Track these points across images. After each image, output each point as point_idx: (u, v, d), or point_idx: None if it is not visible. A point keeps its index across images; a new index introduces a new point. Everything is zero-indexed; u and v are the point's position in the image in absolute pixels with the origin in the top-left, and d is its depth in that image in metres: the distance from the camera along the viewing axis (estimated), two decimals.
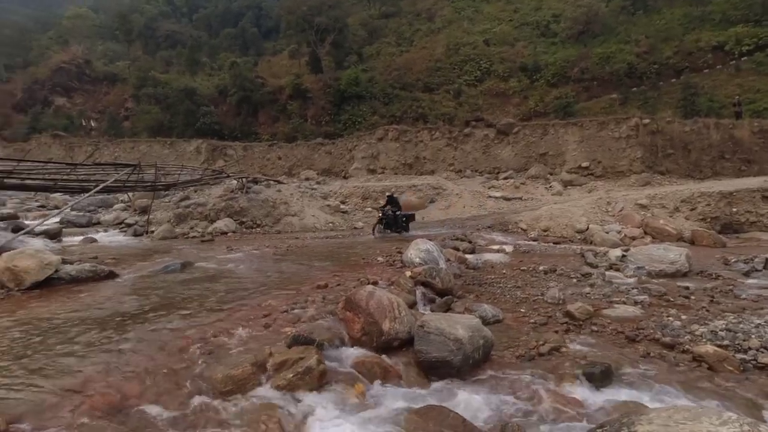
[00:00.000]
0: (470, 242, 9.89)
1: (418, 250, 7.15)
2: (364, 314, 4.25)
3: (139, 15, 49.35)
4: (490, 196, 19.36)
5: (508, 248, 9.87)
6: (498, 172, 24.01)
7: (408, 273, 6.30)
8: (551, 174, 22.29)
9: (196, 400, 3.23)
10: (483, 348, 4.09)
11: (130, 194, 15.52)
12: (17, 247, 7.08)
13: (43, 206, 17.30)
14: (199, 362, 3.69)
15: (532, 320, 5.34)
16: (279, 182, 19.37)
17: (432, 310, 5.43)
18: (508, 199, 19.03)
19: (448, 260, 7.70)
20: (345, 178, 26.49)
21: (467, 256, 8.61)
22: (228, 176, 17.88)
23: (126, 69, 40.42)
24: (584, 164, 21.84)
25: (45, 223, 10.82)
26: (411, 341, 4.19)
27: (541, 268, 7.83)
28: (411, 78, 32.77)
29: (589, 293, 6.41)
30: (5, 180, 9.08)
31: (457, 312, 5.28)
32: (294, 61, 39.44)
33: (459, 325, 4.07)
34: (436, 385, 3.84)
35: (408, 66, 34.05)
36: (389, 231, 12.22)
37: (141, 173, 13.32)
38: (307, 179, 25.41)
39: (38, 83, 39.84)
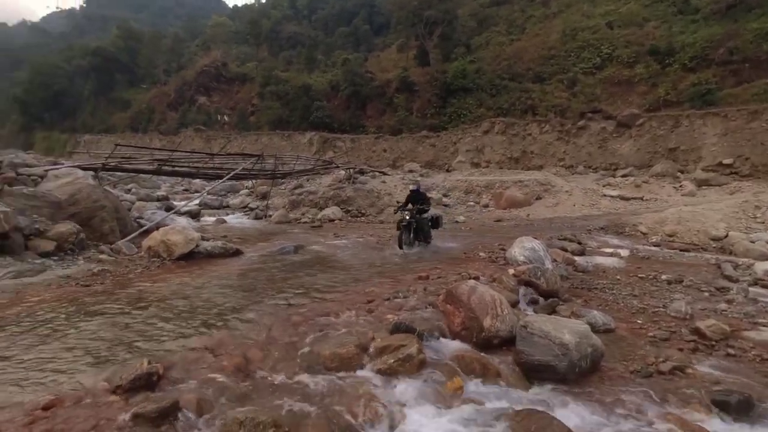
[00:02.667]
0: (580, 243, 9.20)
1: (522, 248, 6.89)
2: (465, 309, 4.25)
3: (266, 19, 54.26)
4: (604, 195, 17.68)
5: (624, 252, 8.96)
6: (615, 169, 21.82)
7: (511, 271, 6.11)
8: (681, 172, 19.60)
9: (307, 372, 3.55)
10: (591, 357, 3.83)
11: (253, 181, 17.31)
12: (168, 224, 8.40)
13: (186, 190, 20.18)
14: (310, 338, 4.03)
15: (650, 333, 4.82)
16: (384, 173, 19.98)
17: (535, 312, 5.21)
18: (625, 199, 17.19)
19: (555, 261, 7.28)
20: (448, 171, 26.33)
21: (576, 257, 8.04)
22: (337, 167, 18.95)
23: (254, 69, 44.87)
24: (726, 161, 18.79)
25: (189, 204, 12.63)
26: (512, 341, 4.09)
27: (663, 277, 6.99)
28: (521, 68, 31.10)
29: (725, 310, 5.58)
30: (162, 167, 10.86)
31: (562, 316, 4.99)
32: (402, 55, 40.04)
33: (566, 330, 3.86)
34: (538, 389, 3.71)
35: (518, 55, 32.37)
36: (419, 242, 8.81)
37: (263, 162, 14.78)
38: (410, 171, 25.77)
39: (186, 84, 46.27)
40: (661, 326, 4.99)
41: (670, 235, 10.50)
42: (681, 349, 4.42)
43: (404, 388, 3.42)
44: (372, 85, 34.74)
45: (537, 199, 17.58)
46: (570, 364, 3.67)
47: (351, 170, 17.33)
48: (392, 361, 3.57)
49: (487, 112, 28.71)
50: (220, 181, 12.61)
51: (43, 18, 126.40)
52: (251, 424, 2.70)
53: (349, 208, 15.20)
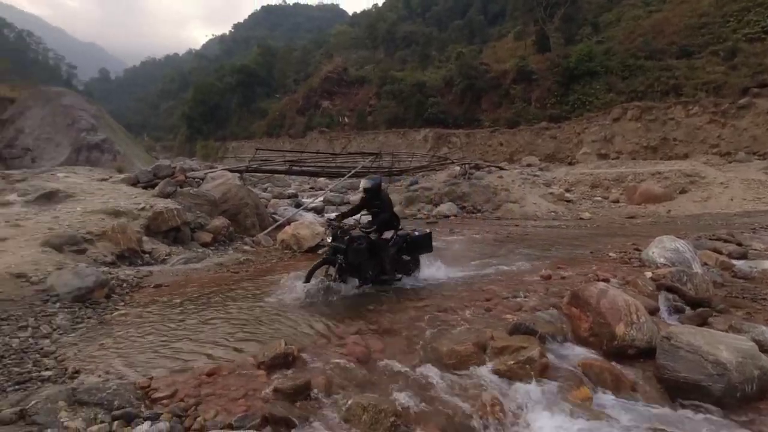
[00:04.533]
0: (740, 245, 7.75)
1: (663, 248, 6.07)
2: (594, 313, 3.91)
3: (382, 22, 56.24)
4: None
5: None
6: None
7: (648, 274, 5.43)
8: None
9: (425, 366, 3.62)
10: (759, 381, 3.23)
11: None
12: (298, 219, 9.28)
13: (312, 188, 22.01)
14: (428, 333, 4.11)
15: None
16: (500, 168, 19.31)
17: (681, 322, 4.56)
18: None
19: (705, 264, 6.27)
20: (571, 164, 24.35)
21: (734, 261, 6.80)
22: (452, 162, 18.85)
23: (371, 71, 46.91)
24: None
25: (315, 201, 13.79)
26: (651, 353, 3.64)
27: None
28: (661, 43, 27.18)
29: None
30: (292, 167, 12.07)
31: (716, 329, 4.29)
32: (519, 43, 38.09)
33: (722, 346, 3.31)
34: (684, 411, 3.25)
35: (658, 29, 28.36)
36: (348, 281, 5.28)
37: (380, 160, 15.41)
38: (528, 165, 24.45)
39: (312, 91, 50.43)
40: None
41: None
42: None
43: (525, 392, 3.28)
44: (487, 77, 33.70)
45: (681, 192, 15.30)
46: (728, 386, 3.15)
47: (466, 166, 17.10)
48: (512, 362, 3.46)
49: (618, 98, 25.78)
50: (342, 179, 13.50)
51: (203, 45, 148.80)
52: (374, 410, 2.86)
53: (465, 205, 15.02)
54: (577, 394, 3.27)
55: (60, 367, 3.26)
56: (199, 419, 2.65)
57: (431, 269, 6.15)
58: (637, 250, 6.89)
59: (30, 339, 3.71)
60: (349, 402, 2.98)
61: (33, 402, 2.57)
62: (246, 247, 8.06)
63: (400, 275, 5.67)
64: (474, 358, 3.66)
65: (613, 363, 3.67)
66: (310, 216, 11.99)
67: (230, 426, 2.59)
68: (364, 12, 78.14)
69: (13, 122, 12.79)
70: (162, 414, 2.67)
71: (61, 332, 3.96)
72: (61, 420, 2.46)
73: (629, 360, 3.75)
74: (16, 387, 2.89)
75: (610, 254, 7.08)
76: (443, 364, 3.64)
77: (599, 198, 16.36)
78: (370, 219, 5.57)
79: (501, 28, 46.26)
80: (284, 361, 3.39)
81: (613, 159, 22.97)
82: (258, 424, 2.62)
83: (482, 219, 13.98)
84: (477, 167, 17.98)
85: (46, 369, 3.20)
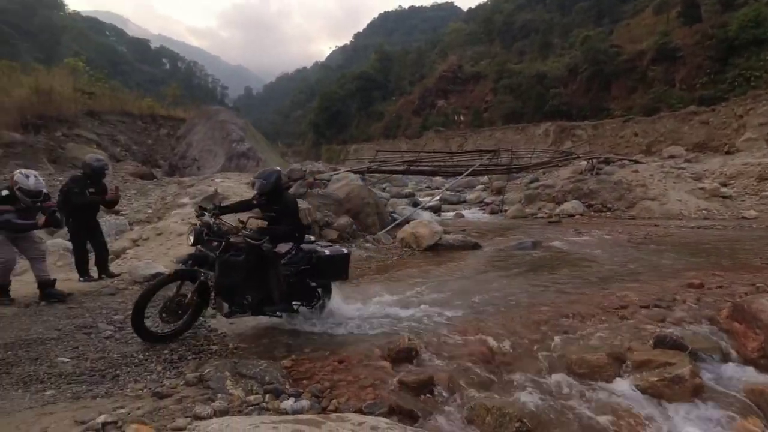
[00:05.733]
0: None
1: None
2: (765, 330, 3.31)
3: (499, 14, 54.28)
4: None
5: None
6: None
7: None
8: None
9: (551, 373, 3.45)
10: None
11: (489, 177, 17.66)
12: (416, 218, 9.51)
13: (428, 187, 22.28)
14: (553, 339, 3.91)
15: None
16: (635, 162, 17.21)
17: None
18: None
19: None
20: (728, 153, 20.61)
21: None
22: (577, 157, 17.41)
23: (487, 66, 45.64)
24: None
25: (432, 200, 13.96)
26: None
27: None
28: None
29: None
30: (411, 167, 12.41)
31: None
32: (660, 17, 33.41)
33: None
34: None
35: None
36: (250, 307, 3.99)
37: (498, 158, 14.94)
38: (671, 157, 21.32)
39: (427, 91, 51.05)
40: None
41: None
42: None
43: (674, 415, 2.93)
44: (618, 60, 30.30)
45: None
46: None
47: (594, 160, 15.63)
48: (656, 379, 3.11)
49: None
50: (459, 177, 13.42)
51: (328, 57, 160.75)
52: (498, 413, 2.82)
53: (592, 202, 13.78)
54: (743, 426, 2.81)
55: (222, 343, 3.86)
56: (334, 401, 2.91)
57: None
58: None
59: (201, 318, 4.46)
60: (473, 402, 3.00)
61: (207, 370, 3.11)
62: (368, 245, 8.54)
63: (297, 304, 4.29)
64: (608, 369, 3.39)
65: None
66: (426, 215, 12.18)
67: (361, 410, 2.79)
68: (479, 6, 76.35)
69: (184, 138, 15.48)
70: (302, 393, 3.00)
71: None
72: (227, 388, 2.94)
73: None
74: (194, 356, 3.52)
75: None
76: (572, 373, 3.44)
77: None
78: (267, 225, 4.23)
79: (636, 3, 41.10)
80: (408, 356, 3.53)
81: None
82: (385, 413, 2.78)
83: (613, 218, 12.66)
84: (606, 161, 16.28)
85: (213, 344, 3.83)
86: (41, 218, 4.80)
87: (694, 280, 5.05)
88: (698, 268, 6.04)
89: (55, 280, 4.99)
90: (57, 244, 7.11)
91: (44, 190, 4.83)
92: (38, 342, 3.68)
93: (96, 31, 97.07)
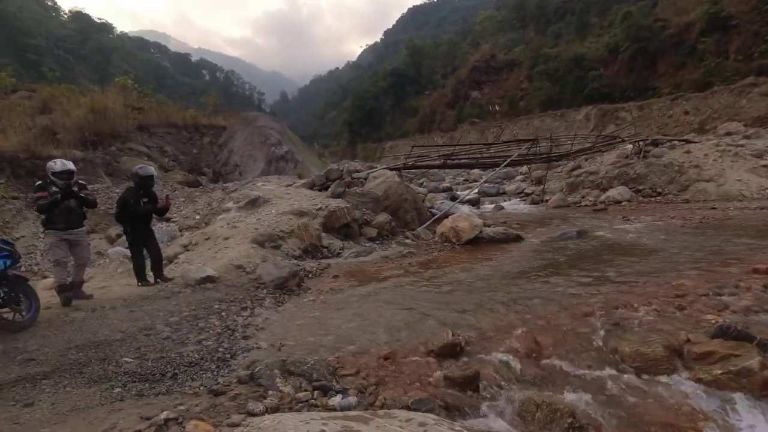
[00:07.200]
0: None
1: None
2: None
3: None
4: None
5: None
6: None
7: None
8: None
9: (602, 367, 3.32)
10: None
11: (528, 166, 17.19)
12: (455, 212, 9.41)
13: (466, 180, 21.98)
14: (602, 331, 3.76)
15: None
16: (687, 141, 16.17)
17: None
18: None
19: None
20: None
21: None
22: (622, 141, 16.59)
23: (521, 53, 44.34)
24: None
25: (470, 193, 13.77)
26: None
27: None
28: None
29: None
30: (447, 161, 12.28)
31: None
32: None
33: None
34: None
35: None
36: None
37: (537, 146, 14.50)
38: (728, 134, 19.81)
39: (460, 83, 50.27)
40: None
41: None
42: None
43: (740, 409, 2.76)
44: (664, 35, 28.55)
45: None
46: None
47: (640, 143, 14.83)
48: (720, 372, 2.93)
49: None
50: (497, 169, 13.15)
51: (359, 56, 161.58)
52: (548, 409, 2.76)
53: (640, 187, 13.12)
54: None
55: (270, 341, 4.00)
56: (380, 397, 2.95)
57: None
58: None
59: (249, 317, 4.65)
60: (522, 398, 2.95)
61: (258, 368, 3.23)
62: (407, 241, 8.55)
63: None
64: (665, 362, 3.22)
65: None
66: (465, 208, 12.03)
67: (407, 407, 2.81)
68: None
69: (226, 145, 16.11)
70: (349, 389, 3.06)
71: (269, 313, 4.85)
72: (278, 384, 3.04)
73: None
74: (245, 355, 3.67)
75: None
76: (626, 367, 3.30)
77: None
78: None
79: None
80: (452, 351, 3.51)
81: None
82: (432, 408, 2.79)
83: (664, 203, 11.99)
84: (655, 143, 15.38)
85: (262, 341, 3.97)
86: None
87: (759, 265, 4.70)
88: (764, 252, 5.61)
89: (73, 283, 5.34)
90: (117, 251, 7.61)
91: (73, 170, 5.35)
92: (105, 343, 3.95)
93: (142, 50, 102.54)
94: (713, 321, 3.55)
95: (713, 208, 10.11)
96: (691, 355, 3.20)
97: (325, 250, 7.81)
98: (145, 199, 6.05)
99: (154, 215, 6.42)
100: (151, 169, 6.45)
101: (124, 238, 6.78)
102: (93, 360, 3.62)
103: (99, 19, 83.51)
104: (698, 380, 3.00)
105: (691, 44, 27.31)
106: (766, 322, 3.47)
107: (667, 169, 13.19)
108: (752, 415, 2.73)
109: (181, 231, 9.00)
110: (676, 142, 16.09)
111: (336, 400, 2.90)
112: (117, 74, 29.94)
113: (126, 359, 3.60)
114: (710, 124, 22.98)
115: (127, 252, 6.69)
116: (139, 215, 5.96)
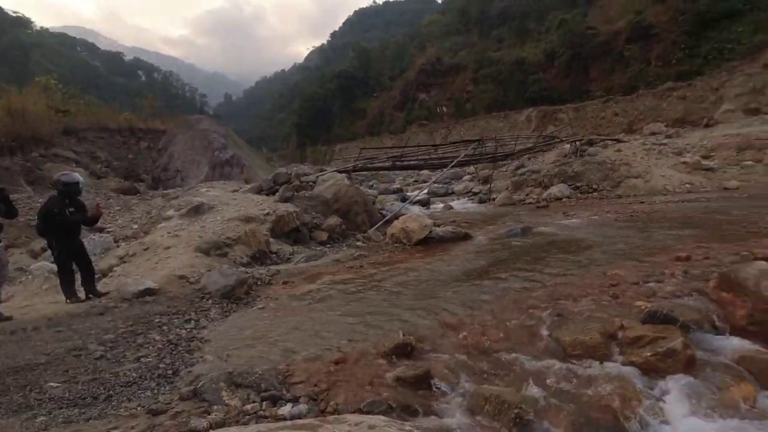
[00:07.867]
0: None
1: None
2: (753, 298, 3.36)
3: (474, 3, 54.10)
4: None
5: None
6: None
7: None
8: None
9: (547, 357, 3.46)
10: None
11: (475, 166, 17.72)
12: (404, 213, 9.49)
13: (416, 181, 22.29)
14: (547, 323, 3.92)
15: None
16: (618, 141, 17.39)
17: None
18: None
19: None
20: (707, 126, 20.94)
21: None
22: (560, 141, 17.54)
23: (466, 56, 45.63)
24: None
25: (420, 194, 13.96)
26: None
27: None
28: None
29: None
30: (397, 163, 12.38)
31: None
32: None
33: None
34: None
35: None
36: None
37: (483, 147, 14.98)
38: (653, 134, 21.56)
39: (408, 85, 50.85)
40: None
41: None
42: None
43: (668, 387, 2.96)
44: (595, 42, 30.55)
45: None
46: None
47: (577, 143, 15.75)
48: (649, 354, 3.14)
49: None
50: (445, 169, 13.44)
51: (306, 58, 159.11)
52: (496, 401, 2.83)
53: (578, 185, 13.90)
54: (737, 391, 2.86)
55: (217, 353, 3.82)
56: (332, 403, 2.90)
57: None
58: None
59: (194, 330, 4.41)
60: (470, 392, 3.00)
61: (202, 382, 3.07)
62: (359, 243, 8.51)
63: None
64: (602, 348, 3.41)
65: None
66: (416, 209, 12.18)
67: (359, 410, 2.78)
68: None
69: (166, 149, 15.27)
70: (300, 397, 2.98)
71: (215, 324, 4.64)
72: (223, 398, 2.90)
73: None
74: (189, 369, 3.48)
75: None
76: (567, 355, 3.46)
77: (750, 162, 13.83)
78: None
79: None
80: (404, 351, 3.52)
81: (766, 114, 19.18)
82: (384, 410, 2.77)
83: (600, 199, 12.79)
84: (590, 143, 16.42)
85: (208, 354, 3.78)
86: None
87: (680, 254, 5.11)
88: (685, 241, 6.12)
89: None
90: (41, 267, 6.98)
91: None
92: (27, 368, 3.60)
93: (67, 47, 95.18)
94: (643, 307, 3.80)
95: (642, 203, 10.90)
96: (624, 340, 3.40)
97: (275, 255, 7.60)
98: (72, 209, 5.58)
99: (83, 225, 5.95)
100: (77, 175, 5.93)
101: (49, 252, 6.22)
102: (12, 388, 3.28)
103: (14, 12, 76.82)
104: (631, 363, 3.20)
105: (619, 51, 29.40)
106: (688, 306, 3.75)
107: (601, 166, 14.08)
108: (678, 391, 2.94)
109: (116, 242, 8.42)
110: (608, 141, 17.25)
111: (286, 409, 2.81)
112: (38, 73, 27.54)
113: (51, 384, 3.29)
114: (637, 125, 24.87)
115: (53, 267, 6.15)
116: (65, 226, 5.50)
